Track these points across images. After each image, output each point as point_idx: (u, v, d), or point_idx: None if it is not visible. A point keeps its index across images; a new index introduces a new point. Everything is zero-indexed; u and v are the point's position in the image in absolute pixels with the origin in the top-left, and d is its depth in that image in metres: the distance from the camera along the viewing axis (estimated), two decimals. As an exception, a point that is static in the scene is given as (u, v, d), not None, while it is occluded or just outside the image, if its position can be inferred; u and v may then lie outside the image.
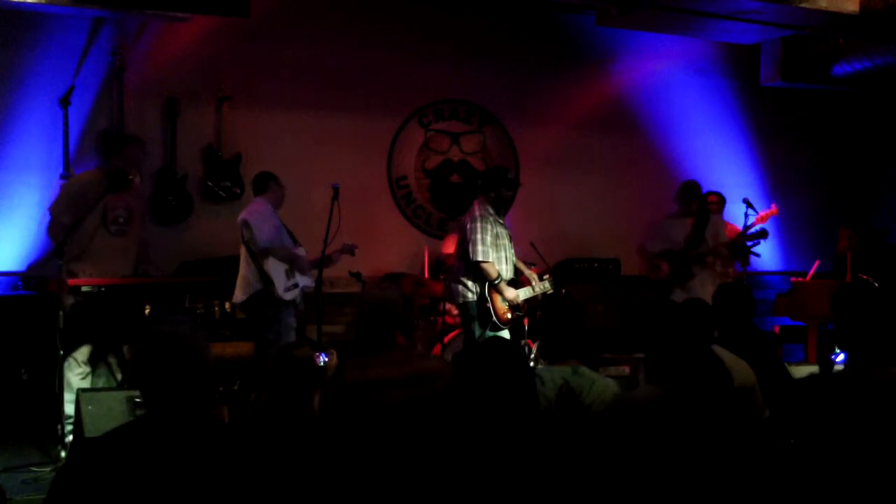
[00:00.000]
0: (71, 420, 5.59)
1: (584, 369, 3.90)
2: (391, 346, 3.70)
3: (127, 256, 5.93)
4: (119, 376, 5.80)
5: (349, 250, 6.71)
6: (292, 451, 3.97)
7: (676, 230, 7.55)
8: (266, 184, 6.57)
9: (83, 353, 5.60)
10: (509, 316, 6.21)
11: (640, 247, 7.86)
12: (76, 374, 5.59)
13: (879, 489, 2.74)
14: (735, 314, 4.67)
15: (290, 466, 2.85)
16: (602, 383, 3.84)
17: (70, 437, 5.59)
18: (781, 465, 2.85)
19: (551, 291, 6.47)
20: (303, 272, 6.52)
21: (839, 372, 3.13)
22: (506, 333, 6.19)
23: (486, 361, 2.83)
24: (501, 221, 6.32)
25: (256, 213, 6.42)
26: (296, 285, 6.45)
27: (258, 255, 6.34)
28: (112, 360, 5.78)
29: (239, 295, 6.47)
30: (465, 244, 6.22)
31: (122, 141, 6.00)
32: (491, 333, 6.13)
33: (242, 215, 6.45)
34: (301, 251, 6.59)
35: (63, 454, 5.46)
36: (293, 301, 6.46)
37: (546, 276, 6.52)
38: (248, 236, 6.36)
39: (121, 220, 5.90)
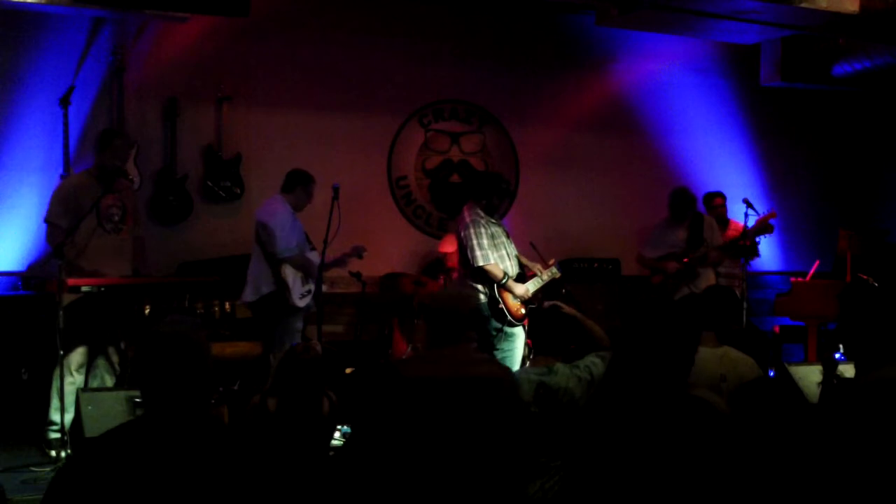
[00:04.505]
0: (56, 428, 5.60)
1: (559, 366, 3.90)
2: (458, 342, 3.69)
3: (124, 254, 5.88)
4: (113, 379, 5.79)
5: (357, 253, 6.60)
6: (301, 453, 3.97)
7: (673, 235, 7.55)
8: (295, 185, 6.40)
9: (76, 360, 5.56)
10: (523, 311, 6.20)
11: (638, 255, 7.80)
12: (67, 383, 5.57)
13: (872, 493, 2.72)
14: (722, 317, 4.66)
15: (297, 469, 2.83)
16: (574, 381, 3.85)
17: (54, 438, 5.61)
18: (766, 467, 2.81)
19: (559, 276, 6.49)
20: (314, 278, 6.44)
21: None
22: (520, 331, 6.20)
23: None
24: (495, 221, 6.28)
25: (277, 216, 6.26)
26: (310, 291, 6.31)
27: (275, 260, 6.23)
28: (109, 361, 5.78)
29: (249, 294, 6.33)
30: (463, 251, 6.21)
31: (108, 137, 5.93)
32: (510, 331, 6.14)
33: (262, 216, 6.30)
34: (314, 255, 6.43)
35: (62, 455, 5.45)
36: (307, 306, 6.37)
37: (551, 262, 6.52)
38: (266, 239, 6.23)
39: (115, 217, 5.82)
